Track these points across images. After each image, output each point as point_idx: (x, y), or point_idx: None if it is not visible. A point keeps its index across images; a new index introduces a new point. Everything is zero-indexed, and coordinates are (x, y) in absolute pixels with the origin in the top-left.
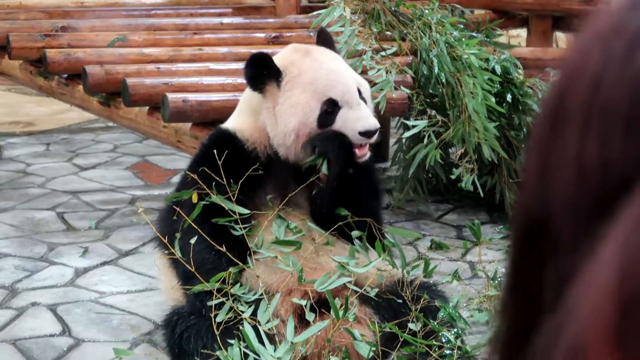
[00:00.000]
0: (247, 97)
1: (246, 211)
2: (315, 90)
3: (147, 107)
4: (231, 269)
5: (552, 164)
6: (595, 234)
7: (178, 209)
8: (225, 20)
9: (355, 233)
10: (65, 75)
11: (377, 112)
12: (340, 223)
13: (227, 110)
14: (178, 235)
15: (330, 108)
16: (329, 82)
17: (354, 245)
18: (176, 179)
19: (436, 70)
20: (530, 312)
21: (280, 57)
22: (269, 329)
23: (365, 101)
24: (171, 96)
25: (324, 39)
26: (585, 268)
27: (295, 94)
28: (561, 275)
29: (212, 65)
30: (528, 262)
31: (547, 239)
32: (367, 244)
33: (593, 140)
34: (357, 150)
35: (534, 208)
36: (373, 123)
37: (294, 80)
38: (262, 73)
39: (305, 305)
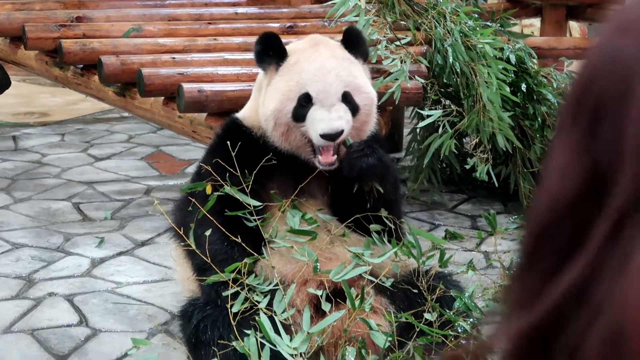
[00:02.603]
0: (257, 79)
1: (259, 203)
2: (298, 81)
3: (163, 97)
4: (246, 260)
5: (586, 152)
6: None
7: (193, 200)
8: (240, 10)
9: (374, 227)
10: (81, 66)
11: (392, 102)
12: (357, 215)
13: (242, 100)
14: (193, 226)
15: (305, 102)
16: (312, 77)
17: (370, 237)
18: (191, 169)
19: (451, 60)
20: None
21: (295, 43)
22: (285, 319)
23: (356, 109)
24: (186, 86)
25: (348, 38)
26: (618, 259)
27: (283, 80)
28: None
29: (227, 55)
30: (544, 253)
31: (569, 230)
32: (384, 239)
33: (634, 129)
34: (320, 157)
35: (560, 196)
36: (335, 126)
37: (290, 66)
38: (268, 52)
39: (321, 295)
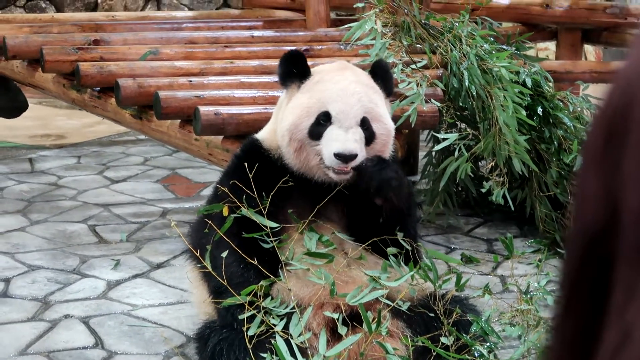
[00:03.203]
0: (279, 100)
1: (276, 225)
2: (320, 99)
3: (179, 120)
4: (262, 282)
5: (619, 175)
6: None
7: (209, 222)
8: (256, 33)
9: (391, 250)
10: (98, 89)
11: (408, 125)
12: (375, 239)
13: (258, 123)
14: (209, 248)
15: (323, 120)
16: (334, 96)
17: (387, 260)
18: (206, 191)
19: (467, 83)
20: (587, 327)
21: (322, 65)
22: (301, 343)
23: (372, 136)
24: (203, 109)
25: (376, 70)
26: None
27: (304, 97)
28: (626, 289)
29: (244, 78)
30: (586, 278)
31: (609, 254)
32: (401, 262)
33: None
34: (335, 167)
35: (595, 222)
36: (351, 148)
37: (312, 84)
38: (292, 71)
39: (338, 319)
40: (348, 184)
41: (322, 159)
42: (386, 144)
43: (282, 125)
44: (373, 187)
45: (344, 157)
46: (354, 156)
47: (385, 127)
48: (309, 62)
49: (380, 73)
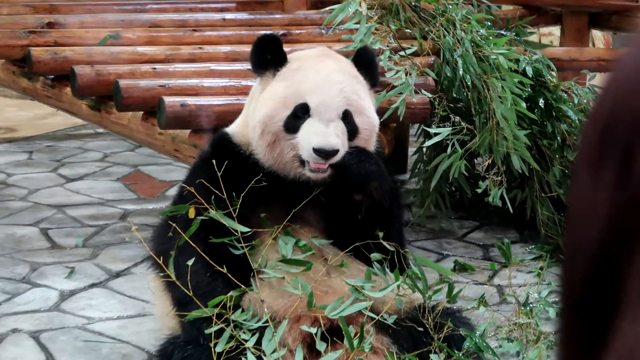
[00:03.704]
0: (251, 90)
1: (248, 229)
2: (297, 89)
3: (142, 112)
4: (232, 292)
5: (621, 188)
6: None
7: (174, 225)
8: (228, 16)
9: (375, 256)
10: (52, 77)
11: (395, 118)
12: (357, 244)
13: (230, 115)
14: (173, 254)
15: (300, 113)
16: (314, 87)
17: (371, 268)
18: (172, 191)
19: (461, 72)
20: (592, 342)
21: (300, 51)
22: None
23: (354, 131)
24: (168, 100)
25: (359, 58)
26: None
27: (280, 86)
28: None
29: (214, 66)
30: (589, 289)
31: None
32: (387, 269)
33: None
34: (311, 165)
35: (595, 242)
36: (332, 143)
37: (290, 72)
38: (266, 56)
39: (316, 334)
40: (326, 182)
41: (298, 153)
42: (369, 140)
43: (255, 117)
44: (351, 179)
45: (324, 153)
46: (335, 152)
47: (369, 121)
48: (286, 48)
49: (364, 61)
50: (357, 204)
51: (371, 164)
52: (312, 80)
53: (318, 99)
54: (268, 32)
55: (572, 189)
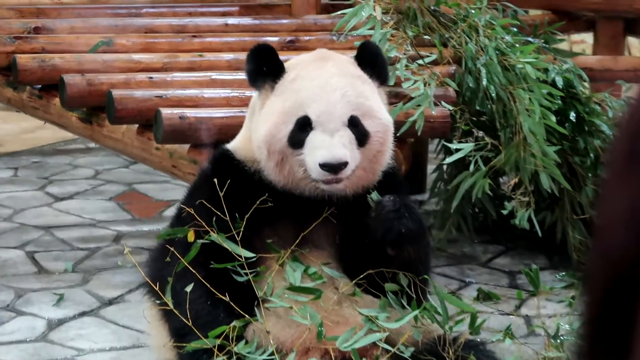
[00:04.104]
0: (250, 103)
1: (252, 254)
2: (296, 101)
3: (137, 125)
4: (235, 322)
5: None
6: None
7: (172, 249)
8: (231, 20)
9: (389, 286)
10: (39, 86)
11: (413, 133)
12: (370, 271)
13: (232, 129)
14: (171, 280)
15: (304, 126)
16: (312, 96)
17: (386, 297)
18: (170, 212)
19: (484, 83)
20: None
21: (297, 58)
22: None
23: (365, 136)
24: (166, 112)
25: (362, 55)
26: None
27: (278, 100)
28: None
29: (215, 75)
30: (613, 311)
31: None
32: (403, 300)
33: None
34: (325, 186)
35: (621, 248)
36: (338, 155)
37: (287, 84)
38: (262, 69)
39: None
40: (341, 200)
41: (308, 171)
42: (384, 143)
43: (257, 136)
44: (388, 237)
45: (331, 167)
46: (343, 164)
47: (381, 123)
48: (294, 55)
49: (367, 58)
50: (380, 245)
51: (414, 220)
52: (310, 90)
53: (318, 109)
54: (266, 41)
55: (600, 196)
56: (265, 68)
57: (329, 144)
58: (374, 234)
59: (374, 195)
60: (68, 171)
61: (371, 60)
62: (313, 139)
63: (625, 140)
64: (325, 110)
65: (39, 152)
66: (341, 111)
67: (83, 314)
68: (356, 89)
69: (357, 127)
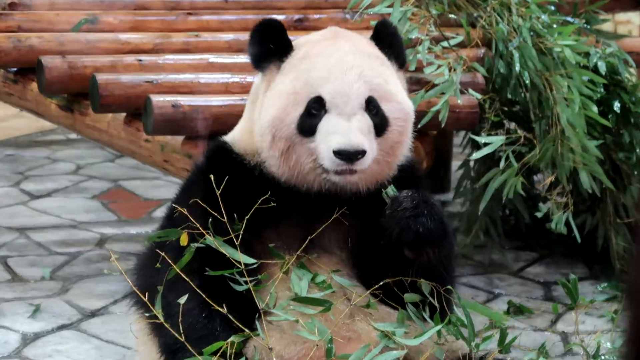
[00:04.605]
0: (252, 88)
1: (252, 260)
2: (307, 80)
3: (124, 114)
4: (233, 338)
5: None
6: None
7: (162, 254)
8: None
9: (409, 297)
10: (14, 69)
11: (437, 125)
12: (388, 280)
13: (232, 118)
14: (161, 290)
15: (316, 109)
16: (326, 75)
17: (405, 310)
18: (160, 212)
19: (517, 68)
20: None
21: (307, 35)
22: None
23: (384, 122)
24: (157, 99)
25: (379, 35)
26: None
27: (287, 80)
28: None
29: (213, 58)
30: None
31: None
32: (424, 313)
33: None
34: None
35: None
36: (355, 142)
37: (297, 62)
38: (268, 47)
39: None
40: (353, 197)
41: (319, 160)
42: (404, 131)
43: (261, 122)
44: (406, 236)
45: (347, 155)
46: (361, 152)
47: (401, 108)
48: (303, 36)
49: (386, 38)
50: (398, 250)
51: (434, 218)
52: (323, 67)
53: (333, 89)
54: (273, 17)
55: None
56: (272, 46)
57: (345, 129)
58: (389, 234)
59: (390, 191)
60: (46, 165)
61: (389, 41)
62: (327, 123)
63: None
64: (340, 90)
65: (14, 143)
66: (358, 91)
67: (62, 327)
68: (374, 69)
69: (374, 113)
